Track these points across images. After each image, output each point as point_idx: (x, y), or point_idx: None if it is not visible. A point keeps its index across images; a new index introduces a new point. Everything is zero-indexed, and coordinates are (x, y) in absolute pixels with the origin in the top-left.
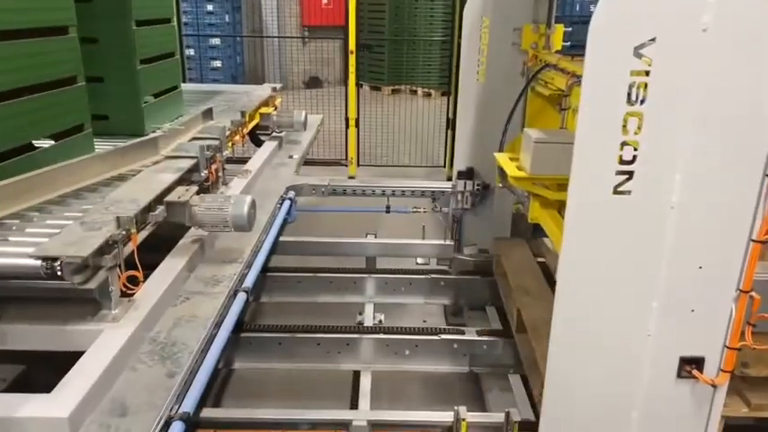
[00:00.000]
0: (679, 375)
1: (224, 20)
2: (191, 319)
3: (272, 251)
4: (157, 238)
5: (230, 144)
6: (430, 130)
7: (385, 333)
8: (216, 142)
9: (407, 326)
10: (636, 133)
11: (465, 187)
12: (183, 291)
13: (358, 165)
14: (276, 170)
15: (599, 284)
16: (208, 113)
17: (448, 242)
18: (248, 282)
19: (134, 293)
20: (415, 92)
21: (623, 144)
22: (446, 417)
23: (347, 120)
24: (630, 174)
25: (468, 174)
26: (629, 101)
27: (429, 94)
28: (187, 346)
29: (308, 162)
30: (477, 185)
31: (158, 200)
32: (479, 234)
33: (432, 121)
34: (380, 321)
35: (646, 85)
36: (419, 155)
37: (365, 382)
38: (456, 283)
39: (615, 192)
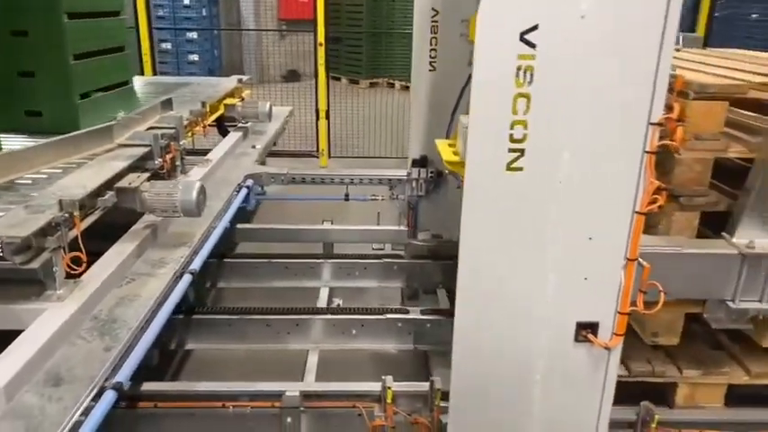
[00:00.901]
0: (576, 339)
1: (201, 14)
2: (134, 298)
3: (230, 238)
4: (117, 224)
5: (190, 134)
6: (405, 123)
7: (333, 313)
8: (172, 131)
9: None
10: (525, 113)
11: (419, 175)
12: (130, 273)
13: (330, 156)
14: (238, 159)
15: (498, 255)
16: (167, 104)
17: (402, 228)
18: (195, 264)
19: (79, 274)
20: (393, 85)
21: (514, 123)
22: (374, 387)
23: (317, 112)
24: (522, 151)
25: (421, 162)
26: (517, 83)
27: (407, 87)
28: (127, 323)
29: (279, 153)
30: (431, 173)
31: (108, 186)
32: (433, 220)
33: (407, 114)
34: (339, 305)
35: (532, 68)
36: (393, 146)
37: (312, 360)
38: (410, 267)
39: (508, 168)
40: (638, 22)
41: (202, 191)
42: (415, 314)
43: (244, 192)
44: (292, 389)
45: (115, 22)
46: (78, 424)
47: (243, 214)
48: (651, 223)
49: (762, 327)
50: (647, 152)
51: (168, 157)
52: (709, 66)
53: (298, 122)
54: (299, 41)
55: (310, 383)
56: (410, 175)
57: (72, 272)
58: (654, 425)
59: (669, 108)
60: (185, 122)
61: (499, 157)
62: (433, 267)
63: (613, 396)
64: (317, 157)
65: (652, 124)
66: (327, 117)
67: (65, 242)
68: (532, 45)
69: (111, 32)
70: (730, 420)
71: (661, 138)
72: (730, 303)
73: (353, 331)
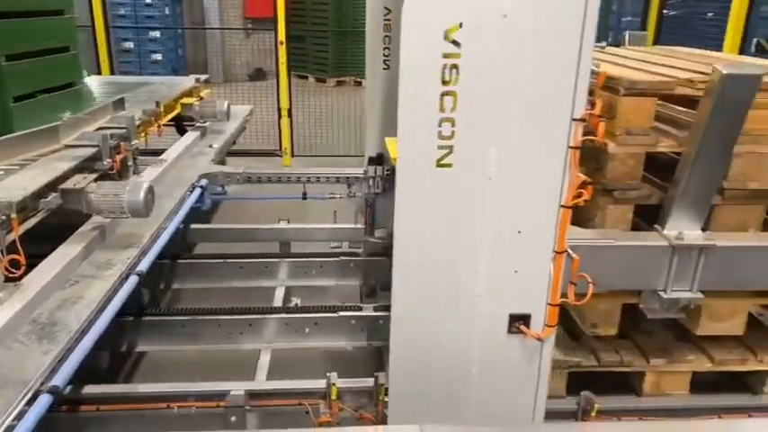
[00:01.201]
0: (509, 331)
1: (163, 12)
2: (76, 300)
3: (185, 239)
4: (70, 226)
5: (143, 134)
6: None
7: (286, 313)
8: (123, 131)
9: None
10: (452, 111)
11: (375, 172)
12: (75, 275)
13: (293, 155)
14: (194, 159)
15: (431, 250)
16: (119, 104)
17: (359, 226)
18: (142, 266)
19: (20, 277)
20: (360, 83)
21: (441, 120)
22: (320, 384)
23: (279, 110)
24: (451, 148)
25: (378, 159)
26: (443, 81)
27: None
28: (67, 326)
29: (242, 153)
30: (387, 170)
31: (52, 187)
32: (390, 217)
33: None
34: (297, 304)
35: (458, 66)
36: (358, 144)
37: (264, 359)
38: (366, 264)
39: (438, 165)
40: (558, 20)
41: (151, 191)
42: (368, 311)
43: (198, 192)
44: (237, 388)
45: (60, 21)
46: (11, 428)
47: (201, 214)
48: (588, 216)
49: (694, 315)
50: (571, 147)
51: (118, 157)
52: (645, 63)
53: (262, 121)
54: (265, 40)
55: (257, 382)
56: (367, 173)
57: (11, 275)
58: (593, 413)
59: (592, 104)
60: (138, 122)
61: (428, 153)
62: (389, 264)
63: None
64: (281, 156)
65: (574, 120)
66: (290, 116)
67: (2, 245)
68: (457, 44)
69: (53, 32)
70: (695, 406)
71: (587, 133)
72: (662, 293)
73: (307, 330)
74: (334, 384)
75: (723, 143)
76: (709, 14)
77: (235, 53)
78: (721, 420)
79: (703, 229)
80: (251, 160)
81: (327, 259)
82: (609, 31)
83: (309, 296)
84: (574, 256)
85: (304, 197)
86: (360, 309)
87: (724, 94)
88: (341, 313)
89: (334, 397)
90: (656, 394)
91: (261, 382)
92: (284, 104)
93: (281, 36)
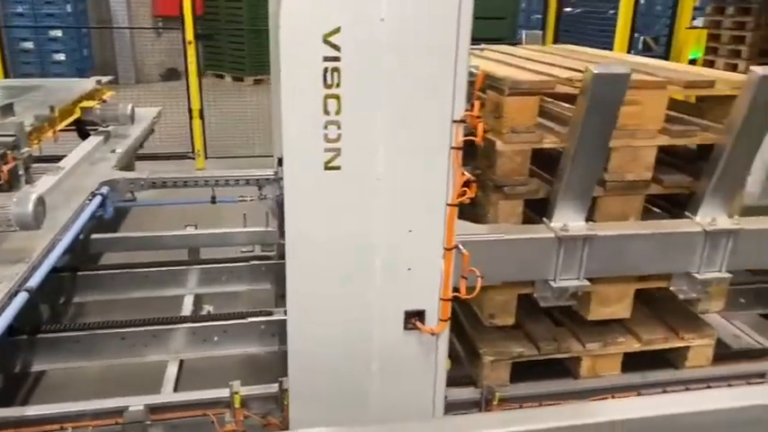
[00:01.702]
0: (405, 327)
1: (65, 10)
2: None
3: (87, 250)
4: None
5: (37, 141)
6: None
7: (193, 321)
8: (11, 139)
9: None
10: (337, 114)
11: None
12: None
13: (206, 157)
14: (95, 166)
15: (324, 251)
16: (8, 109)
17: (271, 229)
18: (33, 281)
19: None
20: None
21: (327, 123)
22: (224, 393)
23: (190, 111)
24: (338, 150)
25: None
26: (325, 84)
27: None
28: None
29: (152, 156)
30: None
31: None
32: None
33: None
34: (209, 312)
35: (339, 70)
36: (277, 145)
37: (171, 371)
38: (279, 267)
39: (327, 168)
40: (433, 24)
41: (41, 202)
42: (278, 315)
43: (98, 200)
44: (137, 403)
45: None
46: None
47: (107, 223)
48: (482, 212)
49: (584, 302)
50: (453, 148)
51: (6, 167)
52: (533, 62)
53: (176, 123)
54: (178, 39)
55: (160, 396)
56: (277, 174)
57: None
58: (495, 402)
59: (472, 105)
60: (29, 129)
61: (316, 156)
62: None
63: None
64: (194, 159)
65: (455, 122)
66: (201, 117)
67: None
68: (337, 47)
69: None
70: (627, 384)
71: (471, 134)
72: (552, 283)
73: (215, 338)
74: (236, 393)
75: (600, 138)
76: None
77: (146, 53)
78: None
79: (588, 220)
80: (163, 164)
81: (238, 264)
82: (519, 29)
83: (222, 303)
84: (464, 251)
85: (213, 201)
86: (270, 313)
87: (596, 92)
88: (250, 319)
89: (237, 405)
90: (591, 376)
91: (163, 395)
92: (195, 105)
93: (189, 35)
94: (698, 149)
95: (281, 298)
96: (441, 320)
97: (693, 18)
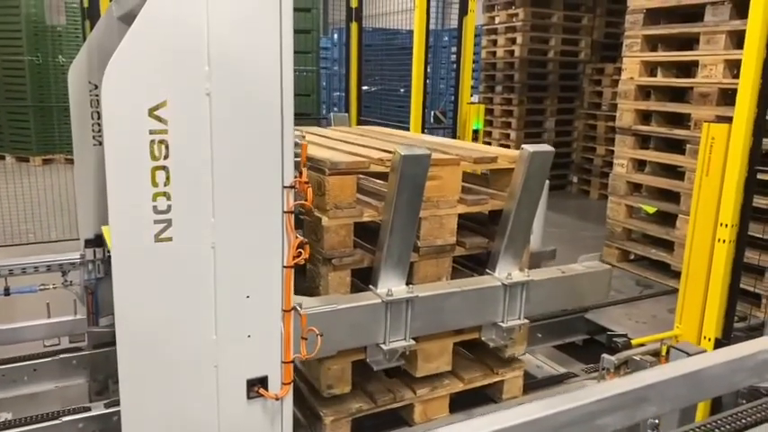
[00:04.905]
0: (249, 397)
1: None
2: None
3: None
4: None
5: None
6: None
7: None
8: None
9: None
10: (166, 185)
11: (95, 256)
12: None
13: None
14: None
15: (159, 325)
16: None
17: (80, 316)
18: None
19: None
20: (71, 160)
21: (156, 195)
22: None
23: None
24: (169, 221)
25: (96, 241)
26: (153, 157)
27: None
28: None
29: None
30: (108, 252)
31: None
32: None
33: None
34: (7, 420)
35: (166, 142)
36: (75, 227)
37: None
38: (92, 358)
39: (157, 239)
40: (258, 97)
41: None
42: (98, 410)
43: None
44: None
45: None
46: None
47: None
48: (314, 285)
49: (411, 360)
50: (285, 212)
51: None
52: (346, 144)
53: None
54: None
55: None
56: (84, 257)
57: None
58: None
59: (300, 173)
60: None
61: (145, 229)
62: None
63: None
64: None
65: (285, 187)
66: None
67: None
68: (163, 120)
69: None
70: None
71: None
72: (383, 345)
73: None
74: None
75: (411, 210)
76: (401, 90)
77: None
78: None
79: (408, 284)
80: None
81: (42, 360)
82: (322, 105)
83: (24, 407)
84: (302, 312)
85: (6, 293)
86: (88, 409)
87: (404, 170)
88: (64, 418)
89: None
90: (424, 421)
91: None
92: None
93: None
94: (489, 214)
95: (96, 394)
96: (284, 384)
97: (472, 95)
